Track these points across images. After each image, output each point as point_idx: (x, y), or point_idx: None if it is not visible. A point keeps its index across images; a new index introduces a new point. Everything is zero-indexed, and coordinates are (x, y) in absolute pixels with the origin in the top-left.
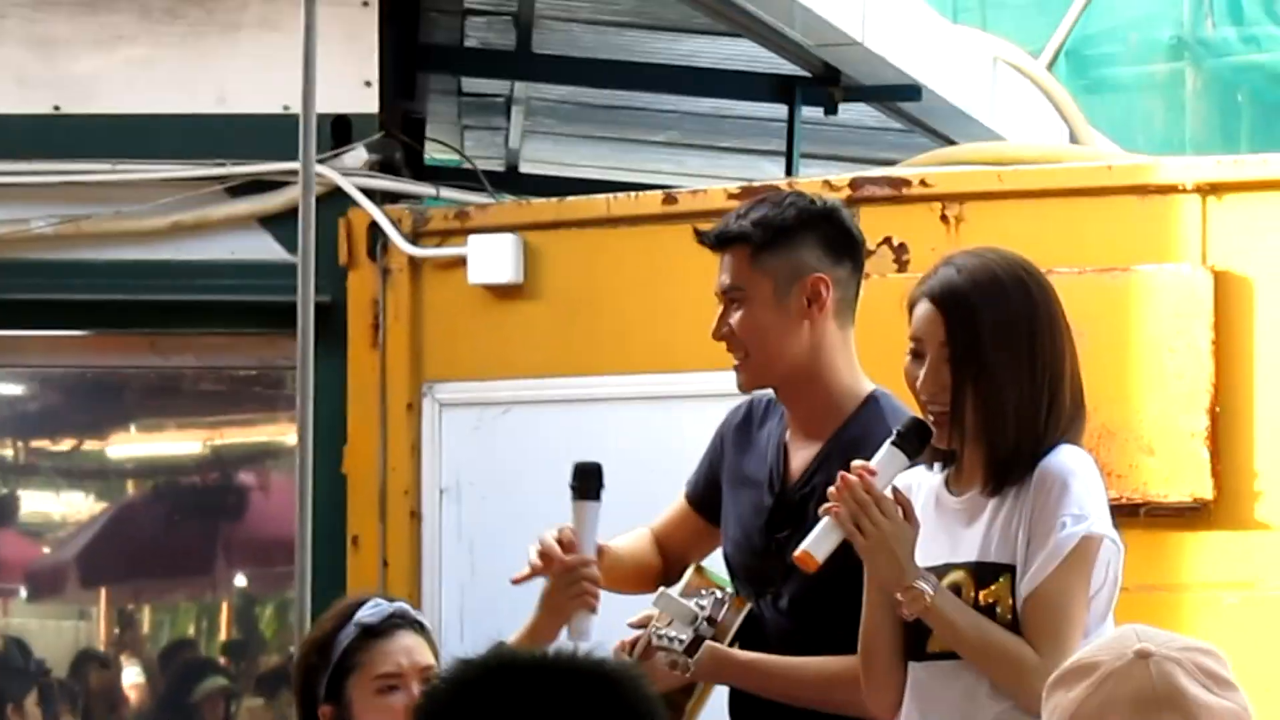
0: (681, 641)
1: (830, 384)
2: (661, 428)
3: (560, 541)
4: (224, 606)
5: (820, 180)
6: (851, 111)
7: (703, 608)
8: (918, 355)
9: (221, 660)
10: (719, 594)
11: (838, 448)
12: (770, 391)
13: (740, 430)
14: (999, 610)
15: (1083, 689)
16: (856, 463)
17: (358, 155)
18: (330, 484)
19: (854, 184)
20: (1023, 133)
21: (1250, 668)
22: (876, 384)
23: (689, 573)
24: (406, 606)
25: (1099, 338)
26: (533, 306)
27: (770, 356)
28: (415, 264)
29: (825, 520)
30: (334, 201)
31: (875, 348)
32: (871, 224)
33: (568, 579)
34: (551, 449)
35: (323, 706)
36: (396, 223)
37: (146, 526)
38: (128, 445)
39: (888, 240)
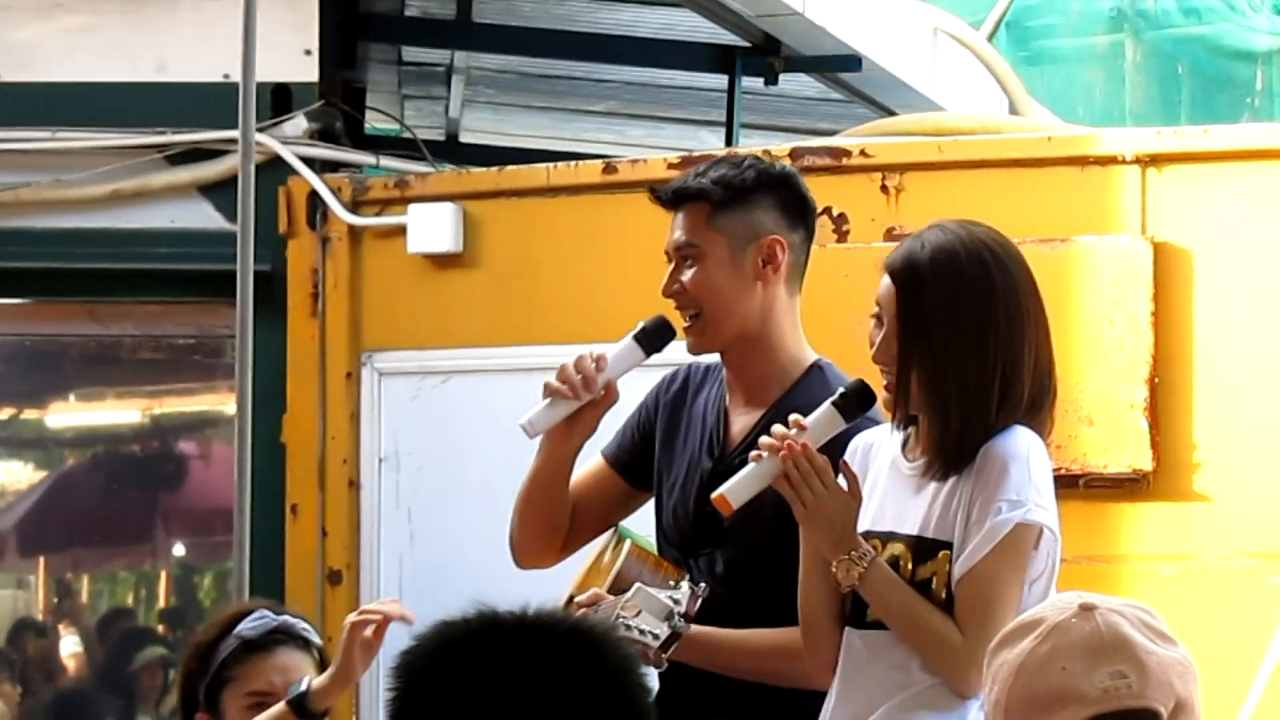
0: (656, 636)
1: (776, 350)
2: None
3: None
4: (163, 575)
5: (760, 150)
6: (792, 82)
7: (677, 602)
8: (879, 321)
9: (160, 629)
10: (687, 586)
11: (780, 415)
12: (707, 359)
13: (677, 396)
14: (934, 585)
15: (1029, 641)
16: (793, 416)
17: (298, 124)
18: (269, 453)
19: (794, 154)
20: (963, 103)
21: (1188, 638)
22: (819, 353)
23: (627, 546)
24: (293, 621)
25: None
26: (472, 275)
27: (721, 316)
28: (355, 233)
29: (749, 467)
30: (274, 170)
31: (814, 317)
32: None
33: None
34: (490, 418)
35: (200, 713)
36: (336, 191)
37: (85, 495)
38: (66, 414)
39: (827, 210)
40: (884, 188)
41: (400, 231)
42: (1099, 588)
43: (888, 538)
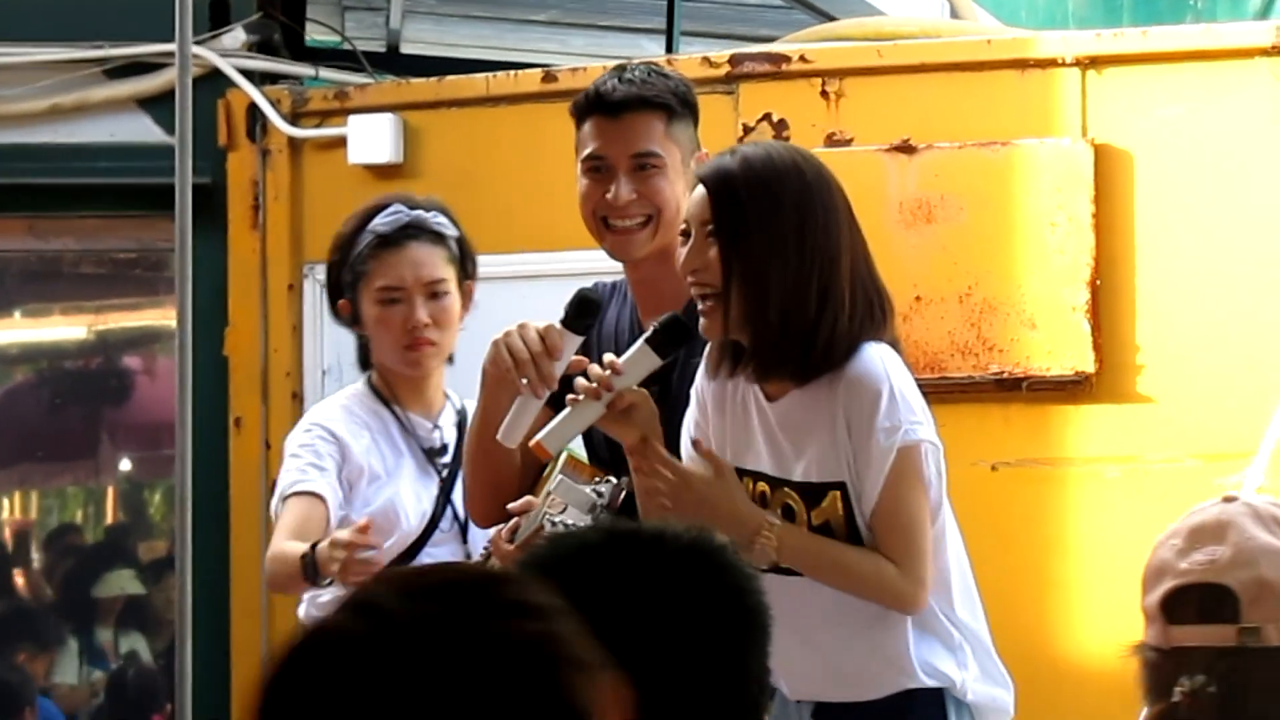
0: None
1: None
2: (542, 306)
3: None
4: (110, 491)
5: (700, 57)
6: None
7: (600, 495)
8: (684, 235)
9: (106, 545)
10: (614, 480)
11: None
12: (609, 278)
13: None
14: (833, 526)
15: (1171, 526)
16: (607, 357)
17: (236, 36)
18: (211, 366)
19: (733, 60)
20: (903, 7)
21: (1134, 541)
22: None
23: (563, 458)
24: (426, 215)
25: (980, 212)
26: (413, 186)
27: (670, 225)
28: (295, 145)
29: (567, 411)
30: (213, 83)
31: None
32: (751, 101)
33: None
34: None
35: (342, 300)
36: (275, 104)
37: (30, 411)
38: (9, 330)
39: (767, 116)
40: (824, 93)
41: (340, 143)
42: (1043, 491)
43: (774, 483)
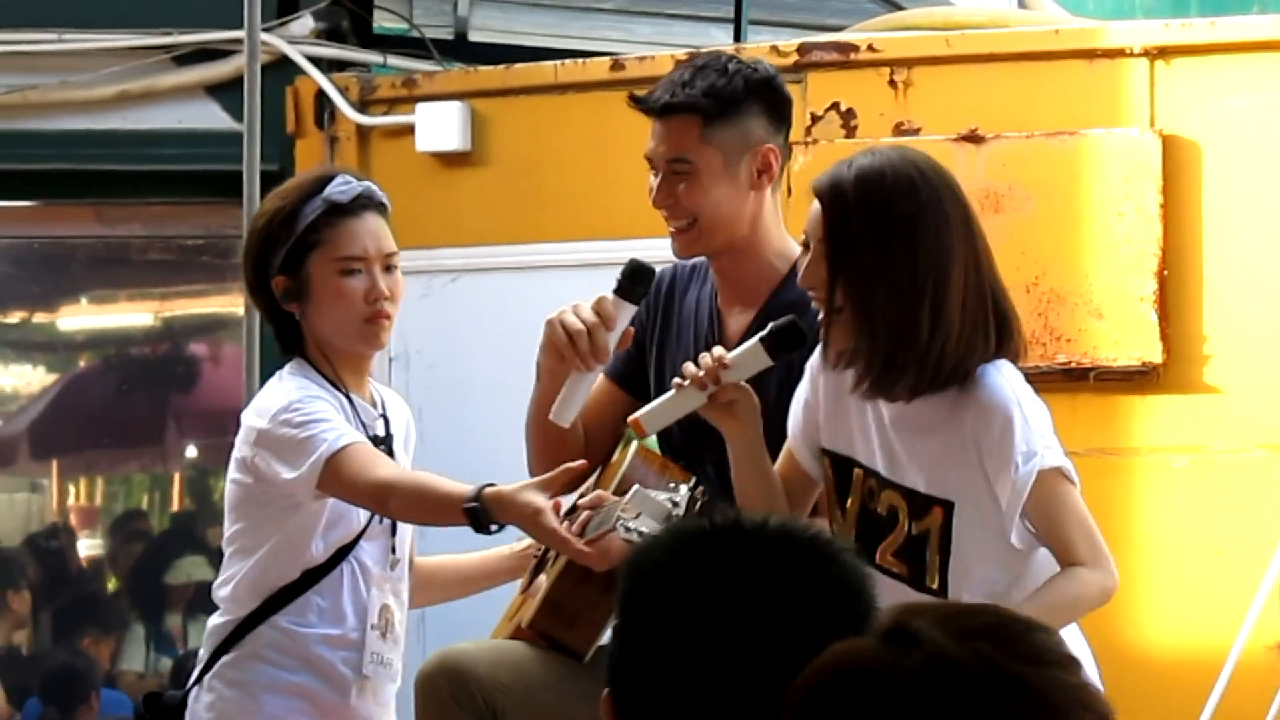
0: None
1: (763, 249)
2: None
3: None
4: (176, 478)
5: (768, 46)
6: None
7: (675, 505)
8: (805, 247)
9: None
10: (686, 489)
11: (774, 312)
12: (688, 260)
13: (665, 299)
14: (930, 539)
15: None
16: (717, 351)
17: (305, 23)
18: (277, 354)
19: (802, 50)
20: None
21: (1200, 530)
22: None
23: (634, 446)
24: (374, 187)
25: (1047, 202)
26: (480, 174)
27: (716, 227)
28: (363, 132)
29: (670, 394)
30: (281, 70)
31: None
32: (819, 90)
33: None
34: (499, 316)
35: (277, 277)
36: (344, 91)
37: (96, 398)
38: (76, 316)
39: (835, 106)
40: (892, 83)
41: (408, 130)
42: (1110, 480)
43: (881, 482)
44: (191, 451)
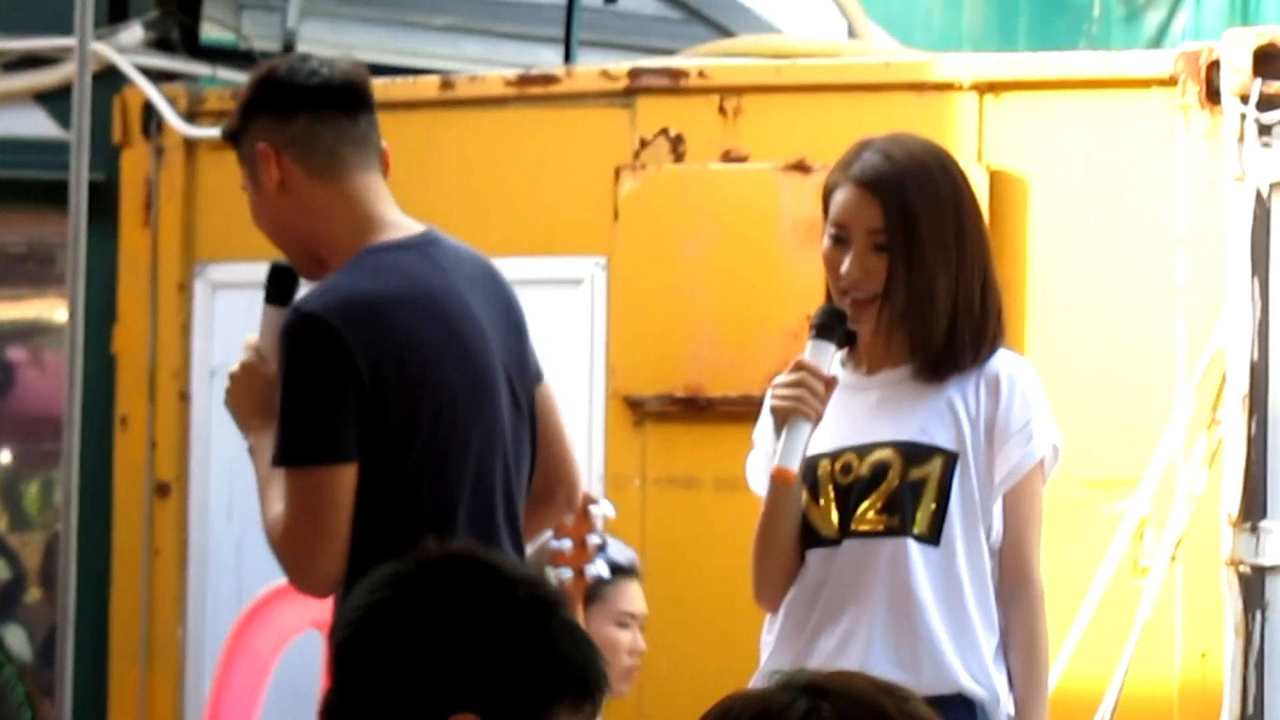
0: None
1: (331, 243)
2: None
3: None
4: None
5: (598, 70)
6: None
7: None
8: (840, 241)
9: None
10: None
11: None
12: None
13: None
14: (927, 486)
15: None
16: (806, 360)
17: (134, 33)
18: (99, 363)
19: (632, 74)
20: (801, 26)
21: None
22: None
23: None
24: None
25: None
26: None
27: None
28: (190, 144)
29: (787, 430)
30: (109, 79)
31: (653, 238)
32: (649, 115)
33: None
34: None
35: None
36: (172, 102)
37: None
38: None
39: (664, 131)
40: (722, 110)
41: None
42: None
43: (868, 449)
44: (4, 456)
